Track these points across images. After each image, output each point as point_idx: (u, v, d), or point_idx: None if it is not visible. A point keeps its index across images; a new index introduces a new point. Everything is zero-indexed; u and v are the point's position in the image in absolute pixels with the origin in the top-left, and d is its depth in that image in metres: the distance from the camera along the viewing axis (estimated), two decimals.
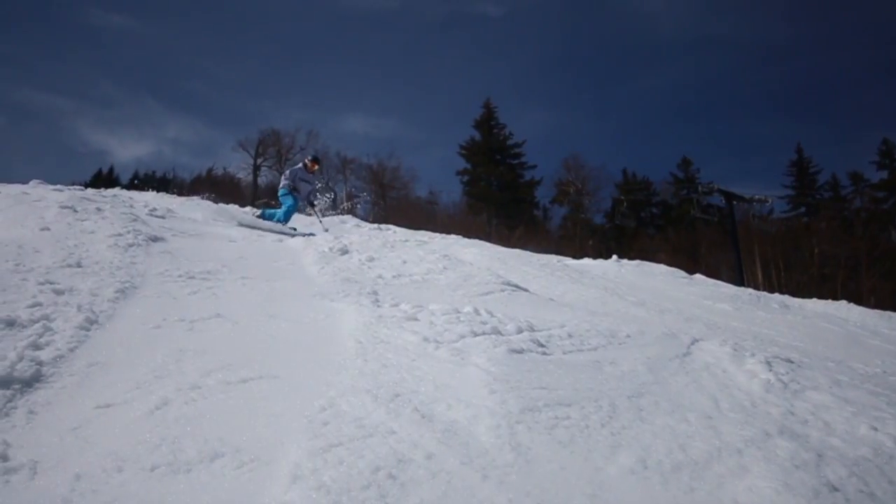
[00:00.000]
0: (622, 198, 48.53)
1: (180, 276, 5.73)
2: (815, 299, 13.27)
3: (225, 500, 2.18)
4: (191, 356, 3.58)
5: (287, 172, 12.76)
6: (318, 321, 4.67)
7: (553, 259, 13.66)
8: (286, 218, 12.23)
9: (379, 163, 51.21)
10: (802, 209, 47.49)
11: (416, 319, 4.66)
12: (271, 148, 50.73)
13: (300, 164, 12.90)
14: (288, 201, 12.40)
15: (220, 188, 40.02)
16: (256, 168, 50.36)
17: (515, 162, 54.13)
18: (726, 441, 2.99)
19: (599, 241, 46.20)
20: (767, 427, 3.25)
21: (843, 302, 12.77)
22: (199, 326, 4.24)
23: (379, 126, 78.13)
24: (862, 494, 2.56)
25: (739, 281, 25.95)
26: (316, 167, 13.05)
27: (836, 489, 2.55)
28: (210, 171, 53.13)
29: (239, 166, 50.55)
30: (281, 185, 12.78)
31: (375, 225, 15.24)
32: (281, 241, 9.68)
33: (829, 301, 13.13)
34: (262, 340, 4.06)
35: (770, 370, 4.33)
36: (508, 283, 7.53)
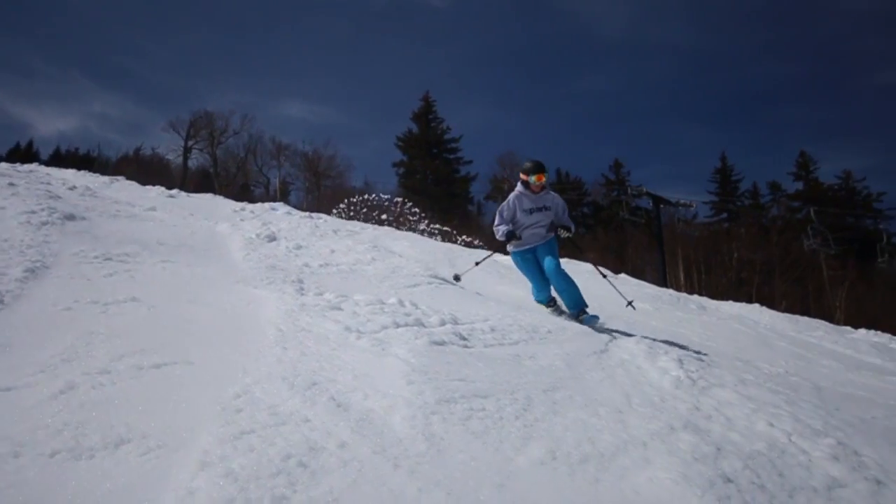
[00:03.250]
0: None
1: (96, 256, 5.53)
2: (730, 302, 13.82)
3: (128, 487, 2.13)
4: (102, 340, 3.46)
5: (497, 216, 6.69)
6: (238, 308, 4.59)
7: (483, 254, 13.80)
8: (541, 291, 6.84)
9: (315, 150, 50.60)
10: (724, 215, 49.40)
11: (339, 309, 4.64)
12: (203, 130, 49.40)
13: (518, 187, 6.66)
14: (526, 268, 6.77)
15: (147, 169, 38.74)
16: (187, 150, 48.94)
17: (452, 156, 54.39)
18: (633, 434, 3.10)
19: None
20: (673, 421, 3.39)
21: (756, 305, 13.36)
22: (114, 309, 4.11)
23: (316, 113, 77.07)
24: (753, 486, 2.69)
25: (662, 282, 26.80)
26: (543, 179, 6.55)
27: (730, 481, 2.68)
28: (138, 150, 51.29)
29: (169, 147, 49.05)
30: (509, 248, 6.76)
31: (307, 213, 15.04)
32: (208, 226, 9.45)
33: (744, 304, 13.71)
34: (180, 326, 3.97)
35: (681, 367, 4.51)
36: (437, 276, 7.58)
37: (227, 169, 49.88)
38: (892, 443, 3.68)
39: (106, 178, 13.88)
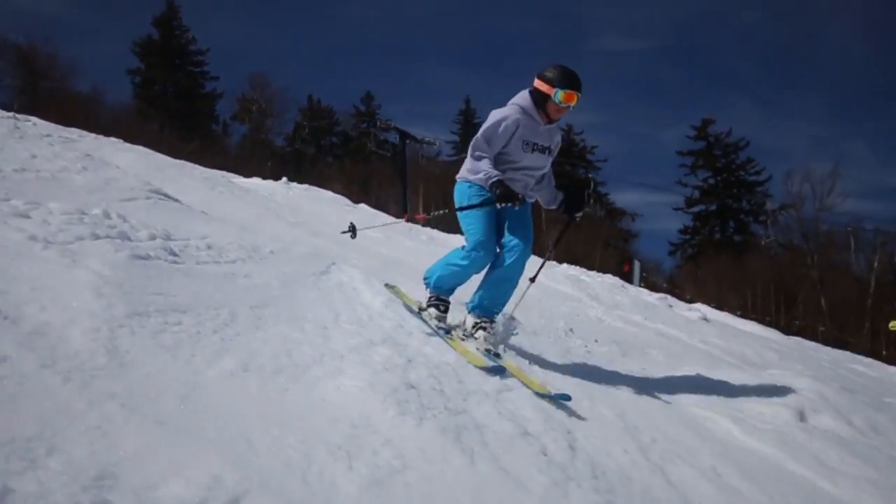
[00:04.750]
0: (304, 123, 48.59)
1: None
2: (458, 235, 14.82)
3: None
4: None
5: (481, 137, 4.06)
6: None
7: (218, 174, 13.18)
8: (469, 267, 4.12)
9: (31, 45, 43.55)
10: (464, 155, 52.37)
11: (27, 217, 4.12)
12: None
13: (522, 101, 4.09)
14: (479, 218, 4.05)
15: None
16: None
17: (197, 70, 50.62)
18: (332, 348, 3.21)
19: (278, 164, 45.70)
20: (374, 337, 3.57)
21: None
22: None
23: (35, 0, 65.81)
24: (434, 391, 2.96)
25: (402, 214, 27.84)
26: (574, 101, 3.92)
27: (413, 387, 2.91)
28: None
29: None
30: (465, 176, 4.22)
31: (10, 114, 13.04)
32: None
33: None
34: None
35: (393, 290, 4.75)
36: (158, 192, 7.08)
37: None
38: (563, 355, 4.27)
39: None
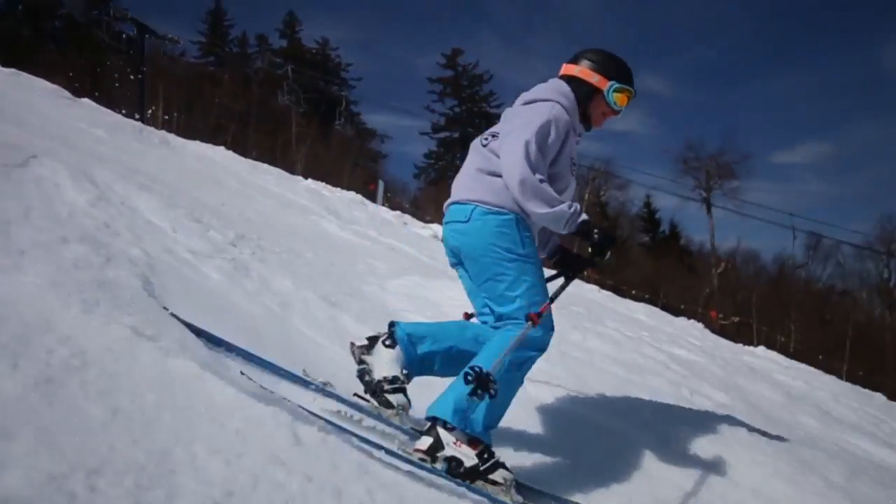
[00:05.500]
0: None
1: None
2: (197, 142, 13.93)
3: None
4: None
5: (534, 148, 2.50)
6: None
7: None
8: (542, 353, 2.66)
9: None
10: (212, 58, 48.94)
11: None
12: None
13: (563, 99, 2.71)
14: (540, 297, 2.62)
15: None
16: None
17: None
18: (12, 245, 2.83)
19: None
20: (70, 235, 3.26)
21: (222, 148, 13.81)
22: None
23: None
24: (134, 289, 2.80)
25: (139, 116, 25.48)
26: (626, 104, 2.81)
27: (107, 285, 2.72)
28: None
29: None
30: (510, 206, 2.57)
31: None
32: None
33: (210, 146, 14.01)
34: None
35: (96, 188, 4.37)
36: None
37: None
38: (293, 274, 4.28)
39: None
